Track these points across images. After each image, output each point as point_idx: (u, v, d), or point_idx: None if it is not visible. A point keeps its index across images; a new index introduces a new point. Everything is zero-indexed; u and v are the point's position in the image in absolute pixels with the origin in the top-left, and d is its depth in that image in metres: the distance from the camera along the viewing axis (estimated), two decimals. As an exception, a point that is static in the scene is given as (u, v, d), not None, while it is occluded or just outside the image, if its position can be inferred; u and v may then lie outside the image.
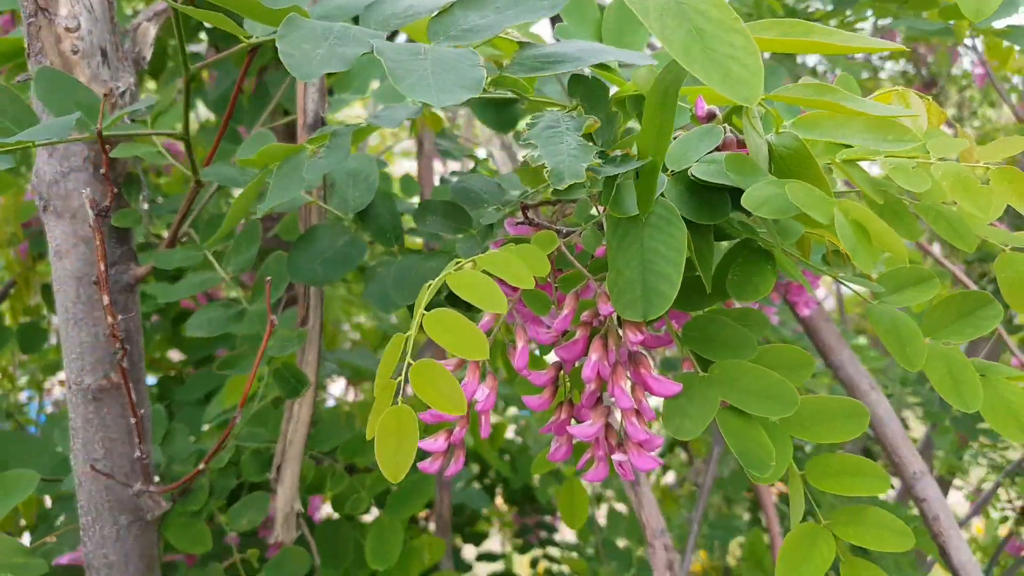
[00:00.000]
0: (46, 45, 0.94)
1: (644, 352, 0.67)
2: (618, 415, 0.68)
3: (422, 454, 0.64)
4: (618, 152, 0.64)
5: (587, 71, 0.78)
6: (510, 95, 0.80)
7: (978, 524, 3.12)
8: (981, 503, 2.48)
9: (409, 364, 0.53)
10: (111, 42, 0.98)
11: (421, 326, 0.55)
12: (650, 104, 0.60)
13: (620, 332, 0.66)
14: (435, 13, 0.66)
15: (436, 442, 0.64)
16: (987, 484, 2.86)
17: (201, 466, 0.93)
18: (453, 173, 1.60)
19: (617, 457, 0.65)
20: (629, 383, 0.65)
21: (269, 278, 0.87)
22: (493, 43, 0.74)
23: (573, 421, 0.71)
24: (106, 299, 0.86)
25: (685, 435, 0.64)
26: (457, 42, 0.62)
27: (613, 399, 0.66)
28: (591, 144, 0.60)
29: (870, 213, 0.59)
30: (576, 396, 0.72)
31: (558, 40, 0.89)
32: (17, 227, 1.72)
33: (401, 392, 0.54)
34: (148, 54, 1.06)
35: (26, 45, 0.95)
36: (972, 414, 2.18)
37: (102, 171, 0.90)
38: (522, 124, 1.14)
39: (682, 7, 0.51)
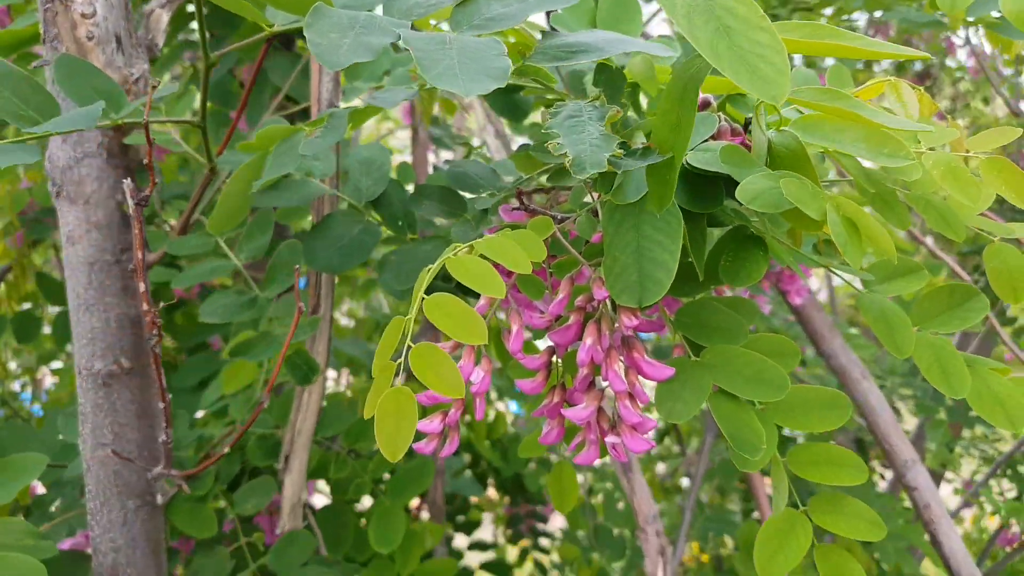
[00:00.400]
0: (62, 31, 0.95)
1: (637, 337, 0.68)
2: (610, 399, 0.69)
3: (417, 435, 0.65)
4: (640, 144, 0.64)
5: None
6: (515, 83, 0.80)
7: (972, 514, 3.15)
8: (972, 493, 2.50)
9: (409, 347, 0.54)
10: (125, 28, 0.99)
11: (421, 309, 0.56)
12: (668, 98, 0.60)
13: (614, 317, 0.67)
14: (459, 1, 0.66)
15: (432, 423, 0.64)
16: (979, 476, 2.88)
17: (226, 450, 0.94)
18: (447, 162, 1.61)
19: (610, 439, 0.66)
20: (623, 366, 0.66)
21: (297, 267, 0.88)
22: (503, 32, 0.74)
23: (565, 405, 0.71)
24: (142, 286, 0.87)
25: (677, 417, 0.65)
26: (481, 31, 0.63)
27: (606, 383, 0.66)
28: (613, 134, 0.61)
29: (861, 210, 0.60)
30: (569, 380, 0.73)
31: (554, 29, 0.89)
32: (13, 215, 1.71)
33: (400, 374, 0.55)
34: (161, 41, 1.07)
35: (41, 31, 0.96)
36: (966, 405, 2.20)
37: (139, 157, 0.89)
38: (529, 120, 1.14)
39: (709, 4, 0.51)
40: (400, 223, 1.00)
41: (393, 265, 0.95)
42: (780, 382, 0.66)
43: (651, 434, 0.69)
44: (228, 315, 1.07)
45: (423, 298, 0.56)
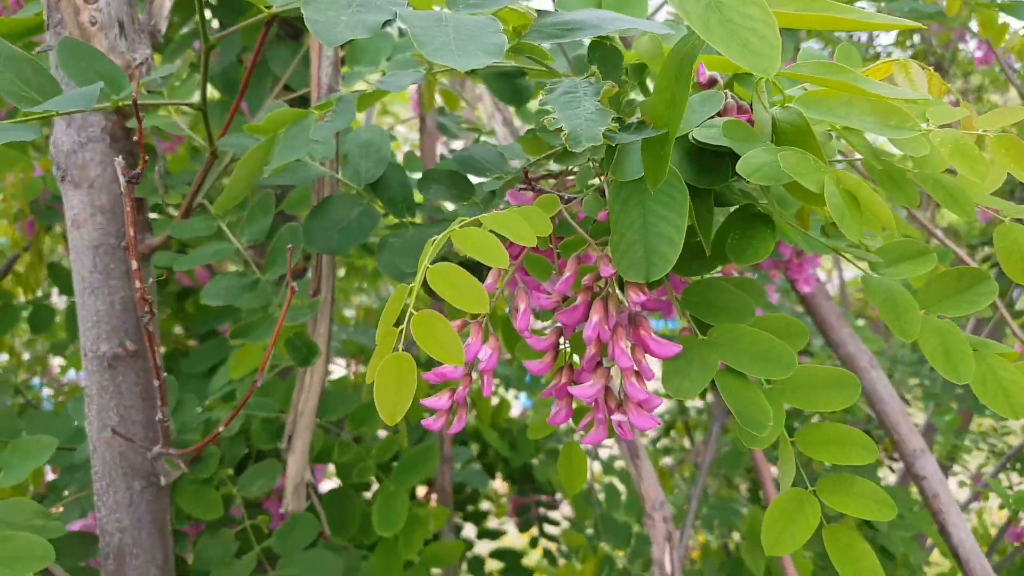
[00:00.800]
0: (65, 17, 0.96)
1: (644, 315, 0.68)
2: (617, 378, 0.69)
3: (426, 412, 0.65)
4: (635, 119, 0.64)
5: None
6: (517, 66, 0.80)
7: (978, 507, 3.14)
8: (982, 486, 2.49)
9: (411, 314, 0.54)
10: (128, 14, 1.00)
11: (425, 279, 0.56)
12: (664, 75, 0.60)
13: (620, 295, 0.67)
14: None
15: (439, 400, 0.65)
16: (986, 469, 2.87)
17: (221, 428, 0.95)
18: (453, 151, 1.61)
19: (617, 417, 0.66)
20: (629, 344, 0.66)
21: (291, 246, 0.88)
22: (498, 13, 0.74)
23: (573, 384, 0.71)
24: (134, 264, 0.87)
25: (684, 395, 0.65)
26: (476, 10, 0.63)
27: (613, 361, 0.66)
28: (608, 109, 0.61)
29: (861, 183, 0.60)
30: (576, 362, 0.73)
31: (558, 12, 0.89)
32: (24, 204, 1.72)
33: (401, 342, 0.55)
34: (164, 27, 1.08)
35: (45, 17, 0.97)
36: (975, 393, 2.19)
37: (135, 138, 0.90)
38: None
39: (700, -22, 0.51)
40: (399, 205, 1.01)
41: (395, 247, 0.95)
42: (787, 360, 0.66)
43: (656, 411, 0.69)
44: (230, 297, 1.07)
45: (427, 267, 0.56)
